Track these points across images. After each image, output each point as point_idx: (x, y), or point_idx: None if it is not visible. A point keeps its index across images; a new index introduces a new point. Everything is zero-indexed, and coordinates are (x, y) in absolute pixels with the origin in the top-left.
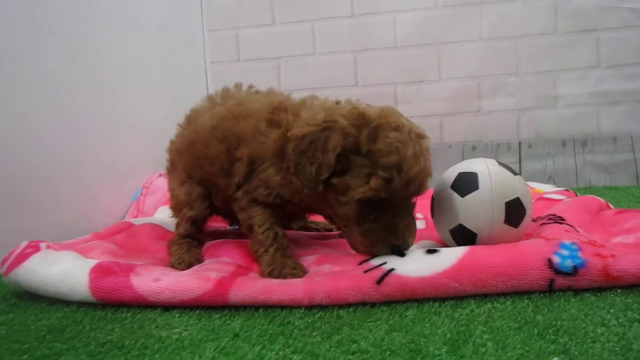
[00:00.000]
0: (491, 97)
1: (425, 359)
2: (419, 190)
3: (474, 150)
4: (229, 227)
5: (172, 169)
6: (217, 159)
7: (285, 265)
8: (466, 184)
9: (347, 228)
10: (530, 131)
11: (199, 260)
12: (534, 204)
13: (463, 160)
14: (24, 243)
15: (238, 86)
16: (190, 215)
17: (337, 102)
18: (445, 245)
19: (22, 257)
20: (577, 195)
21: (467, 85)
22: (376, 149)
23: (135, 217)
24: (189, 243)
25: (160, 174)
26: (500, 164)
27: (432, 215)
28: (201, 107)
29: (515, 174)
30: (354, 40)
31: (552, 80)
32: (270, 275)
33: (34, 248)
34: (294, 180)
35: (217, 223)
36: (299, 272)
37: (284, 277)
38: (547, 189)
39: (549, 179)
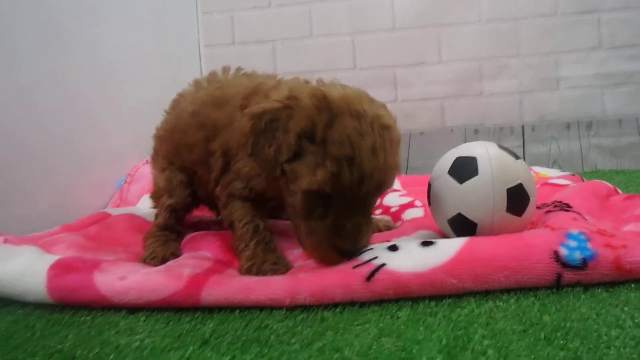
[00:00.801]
0: (492, 80)
1: None
2: (378, 188)
3: (476, 133)
4: (216, 217)
5: (155, 156)
6: (196, 147)
7: (265, 260)
8: (465, 169)
9: (296, 221)
10: (534, 114)
11: (175, 255)
12: (538, 189)
13: None
14: None
15: (226, 69)
16: (170, 204)
17: (307, 82)
18: (444, 236)
19: None
20: (583, 180)
21: (468, 68)
22: (329, 138)
23: (118, 206)
24: (167, 236)
25: (147, 161)
26: (501, 147)
27: (429, 204)
28: (187, 92)
29: (517, 157)
30: (352, 22)
31: (554, 62)
32: (249, 271)
33: None
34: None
35: (203, 212)
36: (281, 267)
37: (264, 274)
38: (552, 173)
39: (554, 163)
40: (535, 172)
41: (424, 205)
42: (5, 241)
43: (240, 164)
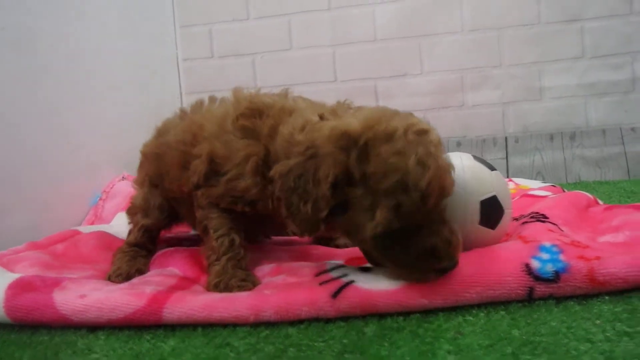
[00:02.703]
0: (475, 91)
1: None
2: (442, 195)
3: (458, 146)
4: (192, 232)
5: (139, 169)
6: (177, 180)
7: (234, 276)
8: None
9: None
10: (517, 125)
11: (140, 271)
12: (518, 201)
13: None
14: None
15: (212, 99)
16: (144, 224)
17: (322, 111)
18: None
19: None
20: (564, 191)
21: (450, 79)
22: (370, 173)
23: (92, 223)
24: (136, 252)
25: (123, 177)
26: (476, 158)
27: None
28: (172, 121)
29: (492, 169)
30: (332, 34)
31: (537, 72)
32: (216, 287)
33: None
34: (289, 223)
35: (181, 228)
36: (249, 284)
37: (230, 290)
38: (533, 185)
39: (538, 175)
40: (516, 184)
41: None
42: None
43: (243, 183)
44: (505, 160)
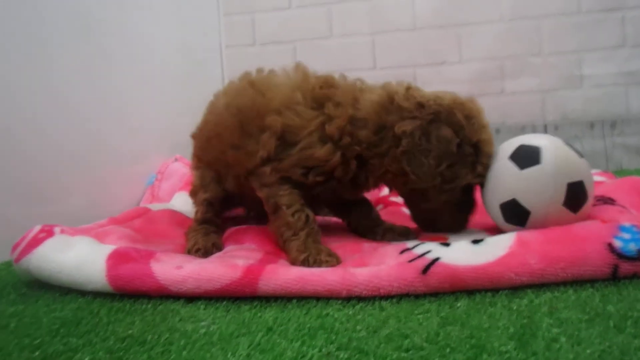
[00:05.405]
0: (514, 78)
1: (492, 357)
2: None
3: (497, 133)
4: (246, 213)
5: (193, 155)
6: (226, 135)
7: (320, 251)
8: (527, 156)
9: (437, 212)
10: (556, 113)
11: (217, 247)
12: None
13: None
14: (37, 227)
15: (260, 70)
16: (205, 197)
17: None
18: (491, 229)
19: (35, 242)
20: (616, 177)
21: (489, 67)
22: (482, 139)
23: (150, 203)
24: (206, 229)
25: (176, 159)
26: (566, 143)
27: (481, 186)
28: (219, 92)
29: (581, 156)
30: (372, 22)
31: (577, 60)
32: (305, 263)
33: (48, 232)
34: (408, 177)
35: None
36: (334, 260)
37: (319, 265)
38: None
39: None
40: None
41: None
42: (62, 231)
43: (319, 151)
44: None
